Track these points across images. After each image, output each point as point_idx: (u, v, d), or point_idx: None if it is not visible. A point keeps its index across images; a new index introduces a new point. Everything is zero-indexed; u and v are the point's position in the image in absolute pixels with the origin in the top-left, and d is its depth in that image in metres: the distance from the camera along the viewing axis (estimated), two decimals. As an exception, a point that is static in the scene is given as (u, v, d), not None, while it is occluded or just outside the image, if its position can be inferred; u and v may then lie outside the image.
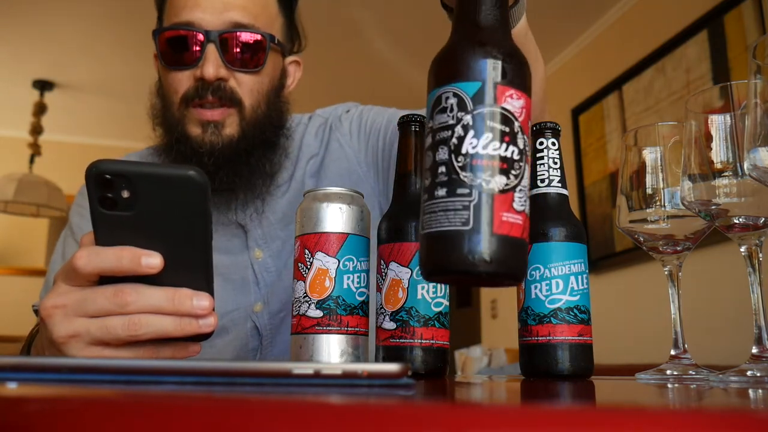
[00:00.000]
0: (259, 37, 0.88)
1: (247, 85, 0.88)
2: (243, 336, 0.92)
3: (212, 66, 0.85)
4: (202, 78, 0.85)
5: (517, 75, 0.44)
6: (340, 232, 0.60)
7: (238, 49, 0.87)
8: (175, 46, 0.87)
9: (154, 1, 0.96)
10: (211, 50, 0.85)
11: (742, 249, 0.58)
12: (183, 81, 0.87)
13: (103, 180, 0.49)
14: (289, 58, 0.99)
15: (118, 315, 0.53)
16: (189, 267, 0.54)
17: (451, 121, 0.43)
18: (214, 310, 0.55)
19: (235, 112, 0.88)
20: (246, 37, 0.87)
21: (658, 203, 0.66)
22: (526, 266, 0.49)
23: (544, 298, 0.62)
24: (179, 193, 0.50)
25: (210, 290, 0.55)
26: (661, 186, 0.66)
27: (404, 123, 0.67)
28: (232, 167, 0.88)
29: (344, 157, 0.99)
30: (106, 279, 0.54)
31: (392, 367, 0.37)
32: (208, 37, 0.85)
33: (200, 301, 0.54)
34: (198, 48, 0.86)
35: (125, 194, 0.50)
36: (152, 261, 0.52)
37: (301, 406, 0.26)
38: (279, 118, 0.94)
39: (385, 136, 0.97)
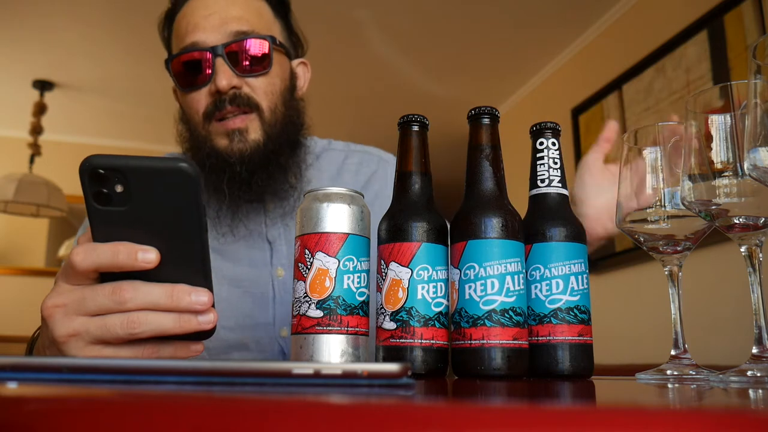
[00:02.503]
0: (260, 40, 0.92)
1: (260, 89, 0.92)
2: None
3: (224, 77, 0.89)
4: (218, 91, 0.89)
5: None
6: (340, 232, 0.60)
7: (244, 57, 0.91)
8: (187, 69, 0.92)
9: (162, 38, 1.01)
10: (220, 63, 0.90)
11: (742, 249, 0.58)
12: (201, 100, 0.92)
13: (96, 175, 0.49)
14: (296, 61, 1.03)
15: (117, 313, 0.53)
16: (186, 262, 0.53)
17: None
18: (213, 306, 0.55)
19: (255, 117, 0.92)
20: (249, 43, 0.91)
21: (658, 203, 0.66)
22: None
23: (544, 298, 0.62)
24: (172, 186, 0.50)
25: (209, 286, 0.55)
26: (661, 186, 0.66)
27: (404, 123, 0.67)
28: (264, 171, 0.92)
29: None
30: (106, 278, 0.54)
31: (392, 367, 0.36)
32: (215, 52, 0.90)
33: (199, 296, 0.54)
34: (208, 65, 0.90)
35: (119, 188, 0.50)
36: (148, 256, 0.52)
37: (301, 406, 0.26)
38: (298, 117, 0.98)
39: None
